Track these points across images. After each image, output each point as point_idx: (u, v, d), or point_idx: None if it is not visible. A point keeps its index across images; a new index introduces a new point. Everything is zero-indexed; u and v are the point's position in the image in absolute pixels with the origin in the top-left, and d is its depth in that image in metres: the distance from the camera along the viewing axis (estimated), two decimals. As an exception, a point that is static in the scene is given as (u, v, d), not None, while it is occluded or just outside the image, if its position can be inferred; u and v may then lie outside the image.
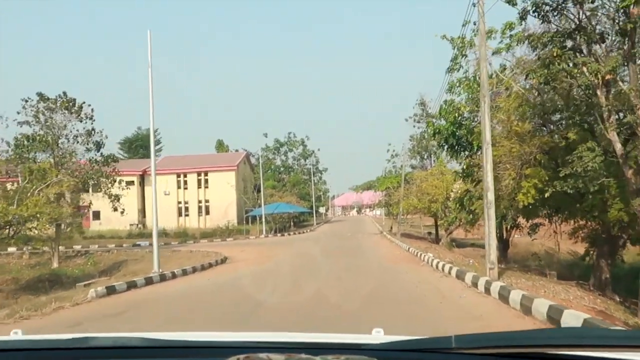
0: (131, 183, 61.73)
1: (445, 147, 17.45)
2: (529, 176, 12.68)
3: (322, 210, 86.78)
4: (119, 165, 65.07)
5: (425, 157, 35.98)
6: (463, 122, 16.89)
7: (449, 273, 14.41)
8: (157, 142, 77.58)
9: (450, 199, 25.84)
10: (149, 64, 17.28)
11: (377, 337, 1.91)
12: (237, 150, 68.52)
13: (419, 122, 36.07)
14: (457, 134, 16.81)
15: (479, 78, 12.15)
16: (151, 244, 41.90)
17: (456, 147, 17.33)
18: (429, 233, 37.02)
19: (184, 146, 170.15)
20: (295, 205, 51.05)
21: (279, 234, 46.00)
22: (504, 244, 17.75)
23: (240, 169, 64.14)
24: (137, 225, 60.14)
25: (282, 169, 67.59)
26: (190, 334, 1.91)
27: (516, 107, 13.24)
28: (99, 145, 26.87)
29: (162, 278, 15.92)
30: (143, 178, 61.85)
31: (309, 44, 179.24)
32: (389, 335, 1.89)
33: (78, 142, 25.93)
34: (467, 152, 17.49)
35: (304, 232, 51.68)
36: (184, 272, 17.52)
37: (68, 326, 8.93)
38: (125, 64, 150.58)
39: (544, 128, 14.27)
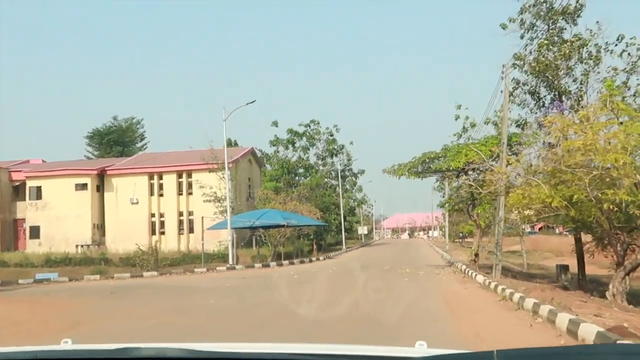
0: (83, 187, 43.96)
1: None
2: None
3: (361, 230, 67.32)
4: (67, 164, 48.06)
5: (554, 95, 16.38)
6: None
7: None
8: (141, 138, 60.48)
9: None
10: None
11: (420, 350, 1.86)
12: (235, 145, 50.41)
13: (530, 28, 16.58)
14: None
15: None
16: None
17: None
18: (563, 268, 17.30)
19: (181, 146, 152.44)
20: (300, 215, 32.14)
21: (263, 264, 27.30)
22: None
23: (240, 168, 45.85)
24: (89, 246, 42.19)
25: (300, 169, 48.64)
26: (231, 344, 1.94)
27: None
28: None
29: None
30: (102, 180, 44.15)
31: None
32: (432, 348, 1.85)
33: None
34: None
35: (316, 261, 33.07)
36: None
37: None
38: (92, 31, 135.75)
39: None
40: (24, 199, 43.83)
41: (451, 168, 19.20)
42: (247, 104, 28.35)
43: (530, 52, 16.50)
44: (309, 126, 50.28)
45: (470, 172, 18.07)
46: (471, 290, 15.34)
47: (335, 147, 51.39)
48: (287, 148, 48.48)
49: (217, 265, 27.32)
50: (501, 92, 16.87)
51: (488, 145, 18.18)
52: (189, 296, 15.49)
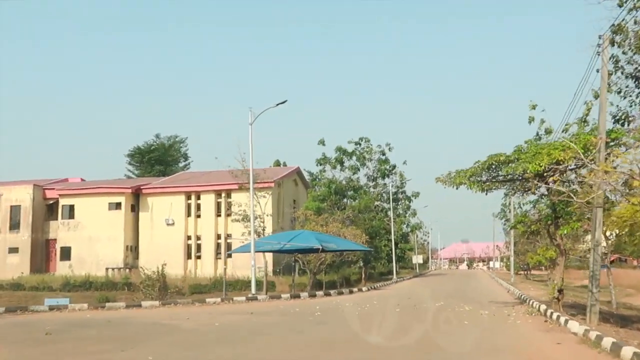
0: (117, 206, 41.51)
1: None
2: None
3: (416, 259, 62.55)
4: (101, 182, 45.75)
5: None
6: None
7: None
8: (184, 157, 58.13)
9: None
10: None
11: None
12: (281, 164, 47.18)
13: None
14: None
15: None
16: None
17: None
18: None
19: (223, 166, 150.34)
20: (341, 239, 28.19)
21: (292, 294, 23.47)
22: None
23: (284, 188, 42.55)
24: (120, 269, 39.52)
25: (349, 191, 44.70)
26: None
27: None
28: None
29: None
30: (137, 199, 41.62)
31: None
32: None
33: None
34: None
35: (358, 292, 29.15)
36: None
37: None
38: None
39: None
40: (57, 218, 41.83)
41: (528, 171, 14.65)
42: (277, 104, 24.99)
43: (635, 22, 12.37)
44: (359, 144, 46.55)
45: (551, 181, 13.65)
46: (569, 348, 9.94)
47: (388, 167, 47.33)
48: (334, 167, 44.85)
49: (240, 294, 23.62)
50: (597, 71, 12.74)
51: (581, 141, 13.76)
52: (142, 343, 11.26)
